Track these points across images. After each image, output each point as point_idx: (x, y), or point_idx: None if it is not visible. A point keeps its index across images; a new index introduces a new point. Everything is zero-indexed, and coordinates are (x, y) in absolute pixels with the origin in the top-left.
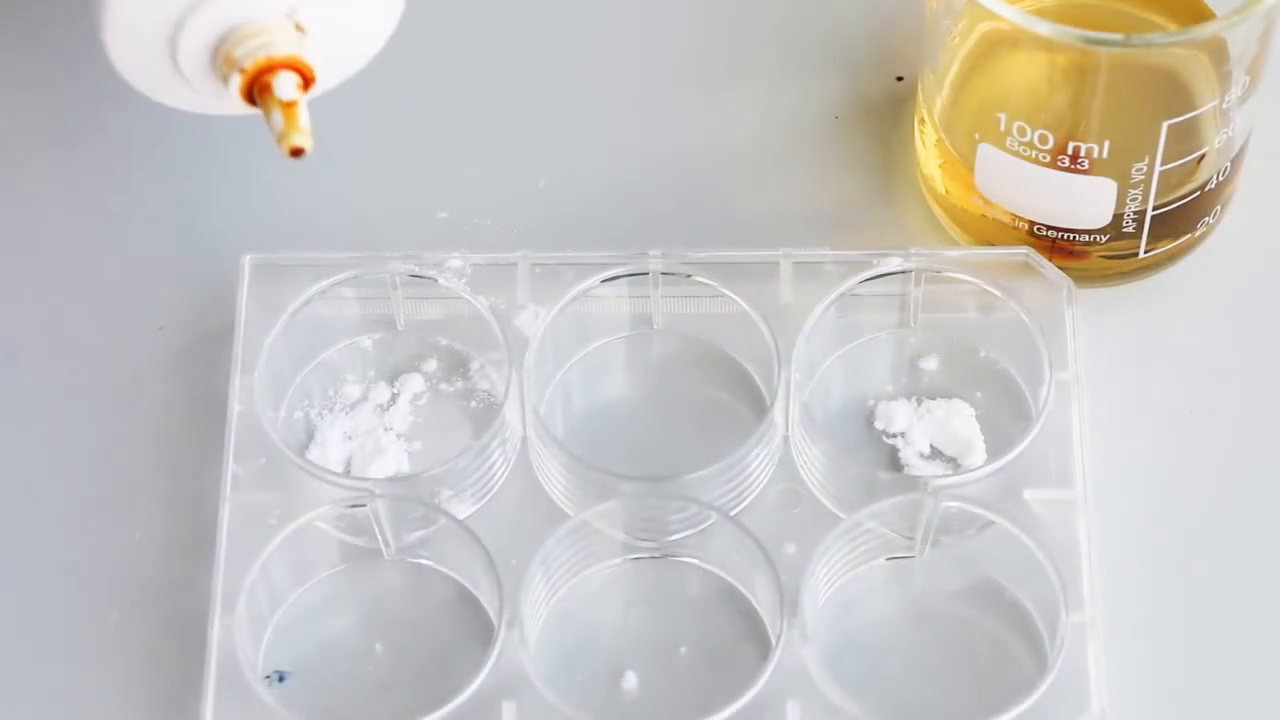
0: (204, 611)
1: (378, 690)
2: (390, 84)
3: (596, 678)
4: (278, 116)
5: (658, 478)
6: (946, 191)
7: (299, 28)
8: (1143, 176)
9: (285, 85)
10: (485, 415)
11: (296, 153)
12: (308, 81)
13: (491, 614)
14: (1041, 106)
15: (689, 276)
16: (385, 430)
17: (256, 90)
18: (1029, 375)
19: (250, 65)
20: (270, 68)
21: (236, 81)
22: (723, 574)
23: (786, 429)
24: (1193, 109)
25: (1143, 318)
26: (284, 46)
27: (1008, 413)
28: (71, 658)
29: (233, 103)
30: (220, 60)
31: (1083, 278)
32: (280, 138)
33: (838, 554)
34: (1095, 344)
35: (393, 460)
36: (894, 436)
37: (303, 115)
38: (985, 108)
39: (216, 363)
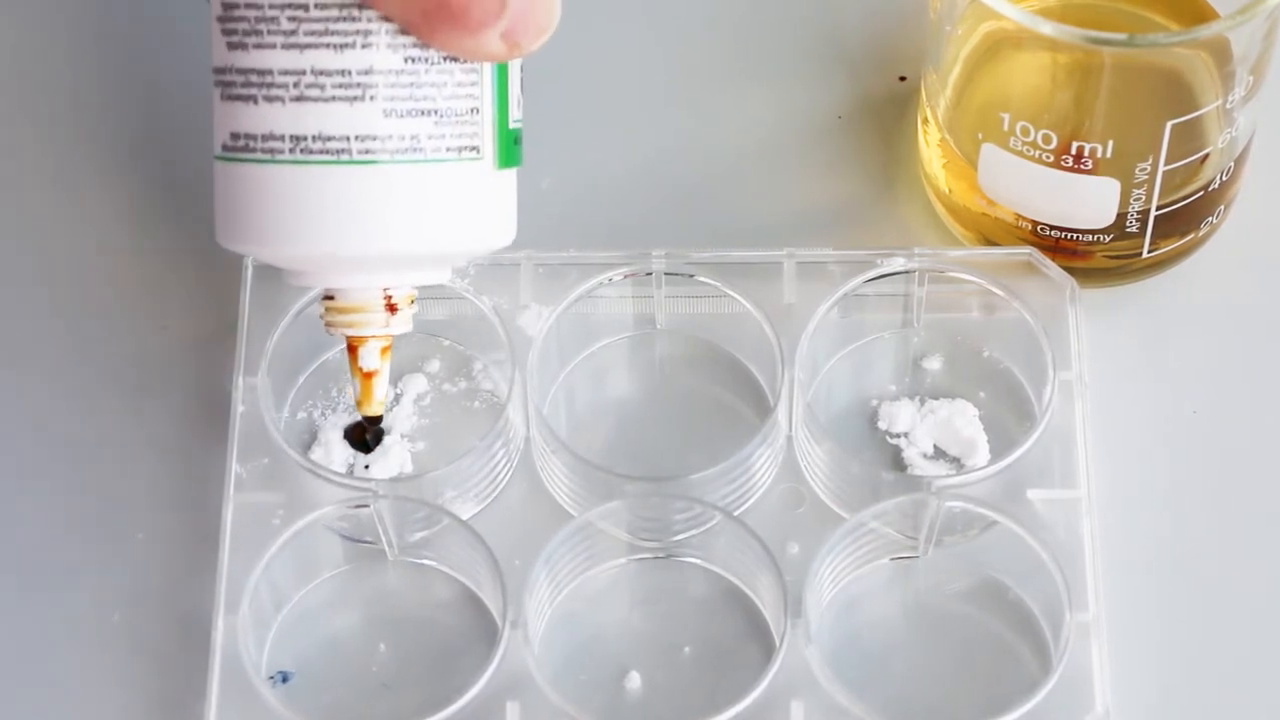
0: (207, 611)
1: (381, 691)
2: None
3: (600, 678)
4: (357, 384)
5: (661, 478)
6: (950, 191)
7: (391, 307)
8: (1146, 176)
9: (369, 355)
10: (489, 415)
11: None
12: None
13: (495, 614)
14: (1045, 106)
15: (692, 276)
16: (388, 431)
17: (346, 347)
18: (1032, 375)
19: (338, 335)
20: (359, 338)
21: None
22: (726, 574)
23: (790, 429)
24: (1196, 109)
25: (1146, 317)
26: (373, 327)
27: (1011, 412)
28: (74, 657)
29: None
30: (320, 307)
31: (1086, 278)
32: (356, 403)
33: (841, 554)
34: (1098, 344)
35: (396, 461)
36: (897, 436)
37: (379, 388)
38: (989, 107)
39: (220, 363)
